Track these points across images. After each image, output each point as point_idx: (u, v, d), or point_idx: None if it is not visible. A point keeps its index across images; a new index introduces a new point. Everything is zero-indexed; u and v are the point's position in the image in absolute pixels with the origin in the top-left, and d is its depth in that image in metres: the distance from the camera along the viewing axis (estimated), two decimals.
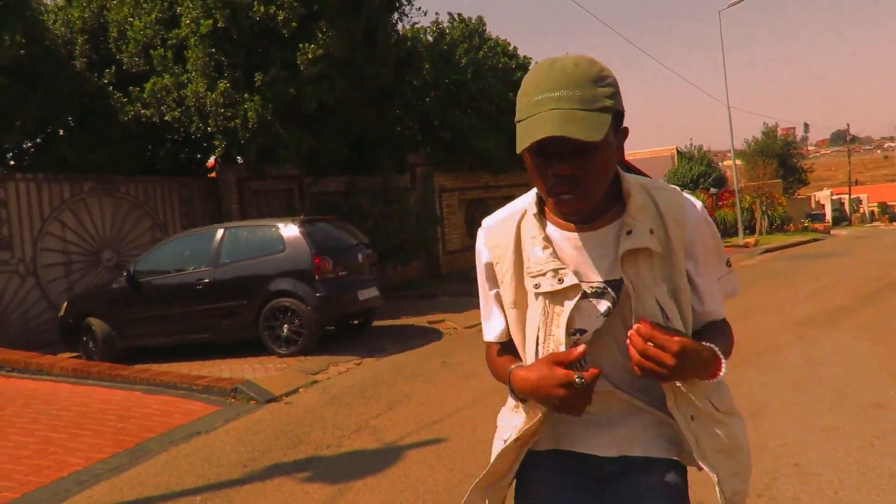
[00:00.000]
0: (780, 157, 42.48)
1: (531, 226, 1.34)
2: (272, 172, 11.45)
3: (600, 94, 1.18)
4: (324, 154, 10.82)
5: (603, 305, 1.29)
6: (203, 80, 9.25)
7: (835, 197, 54.24)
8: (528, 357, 1.34)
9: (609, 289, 1.29)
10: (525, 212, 1.37)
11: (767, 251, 21.43)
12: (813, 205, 47.58)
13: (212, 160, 13.95)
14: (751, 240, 24.46)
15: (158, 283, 8.30)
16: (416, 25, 14.48)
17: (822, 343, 6.84)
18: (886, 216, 55.25)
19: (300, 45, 9.12)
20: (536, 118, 1.16)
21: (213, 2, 8.91)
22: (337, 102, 9.91)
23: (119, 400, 6.08)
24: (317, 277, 7.74)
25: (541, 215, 1.36)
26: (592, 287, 1.29)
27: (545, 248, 1.32)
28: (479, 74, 14.72)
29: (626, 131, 1.29)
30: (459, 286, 13.22)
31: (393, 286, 12.56)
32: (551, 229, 1.34)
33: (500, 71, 15.25)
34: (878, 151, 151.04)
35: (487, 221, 1.44)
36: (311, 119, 10.06)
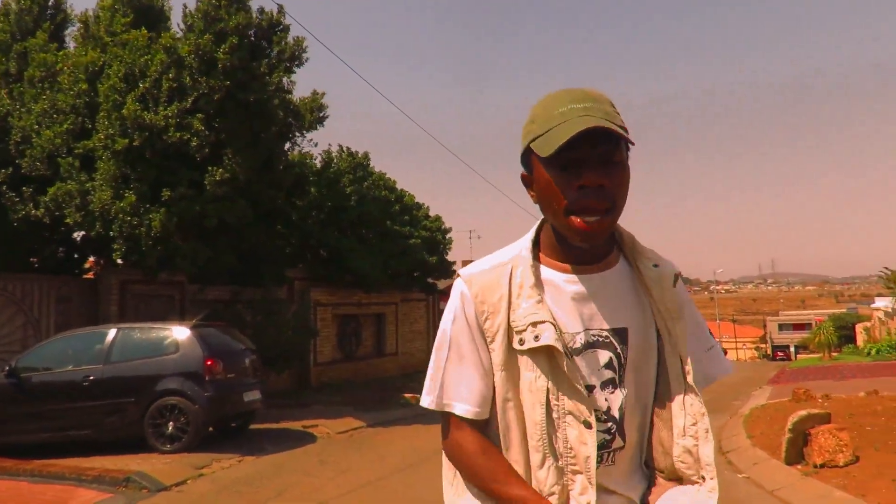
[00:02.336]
0: None
1: (522, 274, 1.22)
2: (160, 277, 11.97)
3: (618, 116, 1.16)
4: (215, 264, 11.60)
5: (605, 356, 1.21)
6: (109, 190, 9.94)
7: None
8: (530, 424, 1.18)
9: (612, 338, 1.22)
10: (516, 257, 1.25)
11: None
12: None
13: (91, 261, 14.14)
14: None
15: (41, 380, 8.51)
16: (305, 152, 15.93)
17: None
18: None
19: (209, 168, 10.17)
20: (569, 122, 1.10)
21: (131, 123, 9.82)
22: (236, 220, 10.90)
23: (6, 490, 6.33)
24: (207, 378, 8.38)
25: (535, 260, 1.24)
26: (594, 336, 1.21)
27: (531, 297, 1.19)
28: (361, 202, 16.28)
29: (629, 174, 1.21)
30: (331, 396, 13.95)
31: (267, 394, 13.05)
32: (548, 273, 1.23)
33: (381, 201, 16.91)
34: (706, 293, 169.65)
35: (470, 270, 1.27)
36: (208, 232, 10.93)
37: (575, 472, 1.17)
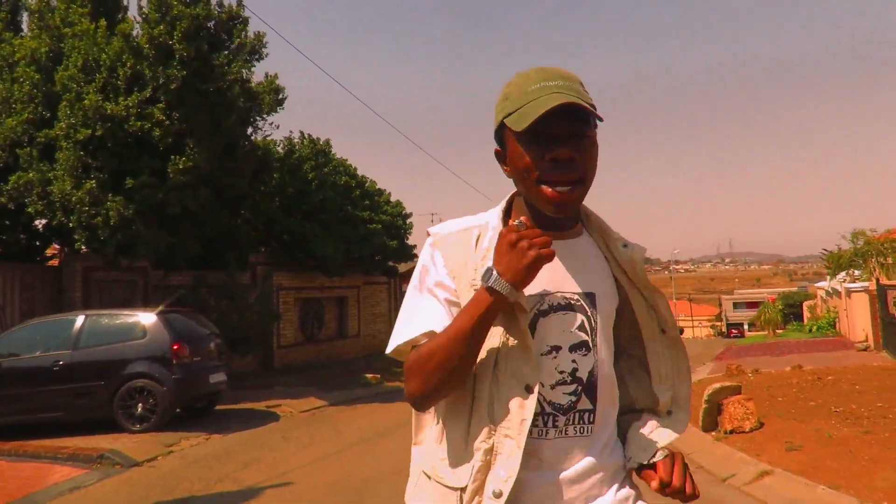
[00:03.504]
0: None
1: (488, 239, 1.26)
2: (123, 264, 12.24)
3: (587, 95, 1.20)
4: (178, 250, 11.93)
5: (577, 319, 1.24)
6: (70, 180, 10.18)
7: None
8: (478, 384, 1.21)
9: (583, 302, 1.26)
10: (485, 225, 1.29)
11: None
12: None
13: (53, 248, 14.28)
14: None
15: (12, 365, 8.81)
16: (267, 138, 16.19)
17: None
18: None
19: (172, 157, 10.47)
20: (542, 98, 1.14)
21: (93, 113, 10.05)
22: (199, 207, 11.24)
23: None
24: (174, 361, 8.81)
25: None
26: (566, 298, 1.24)
27: None
28: (322, 188, 16.65)
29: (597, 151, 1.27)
30: (293, 378, 14.45)
31: (231, 376, 13.48)
32: None
33: (342, 187, 17.30)
34: (665, 272, 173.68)
35: (439, 230, 1.31)
36: (171, 219, 11.25)
37: (506, 436, 1.17)
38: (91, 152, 10.33)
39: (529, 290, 1.18)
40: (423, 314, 1.22)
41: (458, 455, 1.21)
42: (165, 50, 10.59)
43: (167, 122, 10.48)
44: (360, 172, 18.99)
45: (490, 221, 1.30)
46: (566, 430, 1.23)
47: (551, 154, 1.16)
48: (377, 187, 19.58)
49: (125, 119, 10.27)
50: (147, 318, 9.10)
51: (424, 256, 1.29)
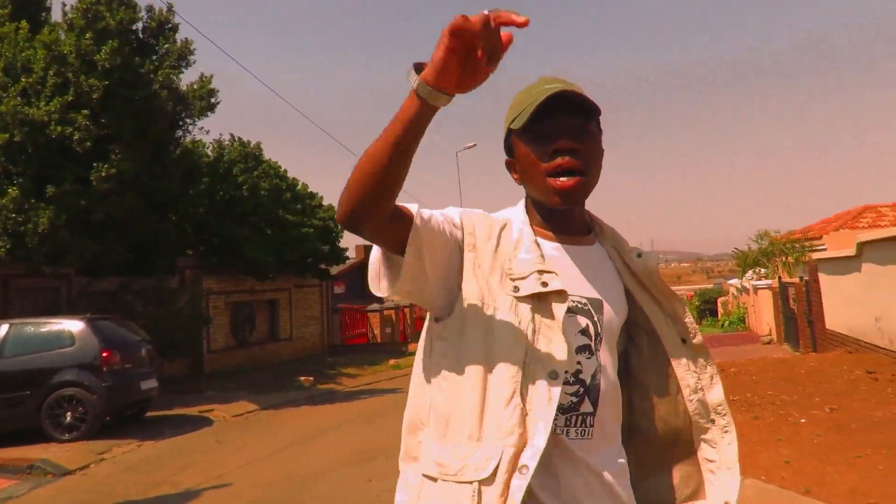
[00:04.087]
0: None
1: (516, 231, 1.27)
2: (46, 272, 11.95)
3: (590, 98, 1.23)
4: (105, 257, 11.75)
5: (583, 322, 1.25)
6: None
7: None
8: (508, 362, 1.17)
9: (590, 307, 1.26)
10: (508, 221, 1.29)
11: None
12: None
13: None
14: None
15: None
16: (197, 141, 16.02)
17: None
18: None
19: (94, 164, 10.35)
20: (541, 95, 1.20)
21: (11, 118, 9.83)
22: (125, 214, 11.13)
23: None
24: (104, 369, 8.77)
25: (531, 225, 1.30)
26: (574, 301, 1.24)
27: (532, 251, 1.23)
28: (253, 191, 16.62)
29: (602, 151, 1.29)
30: (225, 382, 14.41)
31: (161, 382, 13.34)
32: (538, 239, 1.28)
33: (273, 190, 17.31)
34: None
35: (461, 210, 1.28)
36: (96, 226, 11.09)
37: (536, 419, 1.14)
38: (11, 158, 10.09)
39: (550, 285, 1.18)
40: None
41: (475, 445, 1.16)
42: (89, 60, 10.44)
43: (91, 128, 10.35)
44: (292, 176, 19.03)
45: (515, 216, 1.31)
46: (567, 432, 1.21)
47: (553, 146, 1.21)
48: (309, 191, 19.65)
49: (46, 124, 10.09)
50: (75, 326, 9.01)
51: (453, 212, 1.26)
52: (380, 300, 30.93)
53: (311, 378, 15.10)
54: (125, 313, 12.34)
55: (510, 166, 1.34)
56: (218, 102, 13.91)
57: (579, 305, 1.25)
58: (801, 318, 15.35)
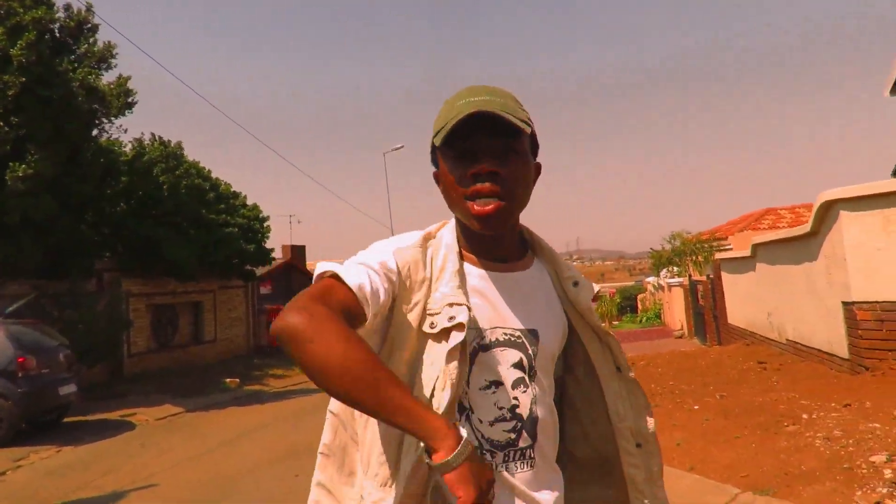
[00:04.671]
0: None
1: (441, 257, 1.20)
2: None
3: (521, 111, 1.17)
4: (19, 259, 11.36)
5: (516, 356, 1.20)
6: None
7: None
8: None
9: (524, 338, 1.21)
10: (438, 242, 1.24)
11: None
12: None
13: None
14: None
15: None
16: (115, 140, 15.57)
17: None
18: None
19: (10, 164, 10.03)
20: (462, 110, 1.12)
21: None
22: (41, 215, 10.81)
23: None
24: (20, 375, 8.56)
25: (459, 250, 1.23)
26: (507, 334, 1.20)
27: (451, 281, 1.17)
28: (174, 191, 16.31)
29: (539, 167, 1.26)
30: (147, 386, 14.14)
31: (81, 387, 12.98)
32: (466, 267, 1.22)
33: (195, 190, 17.03)
34: None
35: (393, 244, 1.21)
36: (10, 228, 10.72)
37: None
38: None
39: (456, 318, 1.12)
40: (359, 270, 1.10)
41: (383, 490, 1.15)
42: (4, 54, 10.10)
43: (5, 129, 10.03)
44: (215, 175, 18.77)
45: (444, 238, 1.24)
46: (508, 467, 1.18)
47: (473, 169, 1.14)
48: (232, 190, 19.41)
49: None
50: None
51: (387, 258, 1.16)
52: None
53: (237, 380, 15.01)
54: (40, 318, 11.99)
55: (437, 178, 1.27)
56: (135, 102, 13.68)
57: (512, 338, 1.21)
58: (707, 313, 16.42)
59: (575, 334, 1.31)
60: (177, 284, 18.18)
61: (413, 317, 1.15)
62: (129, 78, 13.35)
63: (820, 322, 7.59)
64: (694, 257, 21.75)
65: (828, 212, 6.93)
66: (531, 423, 1.22)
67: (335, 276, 1.07)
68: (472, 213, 1.15)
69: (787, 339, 9.09)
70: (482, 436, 1.18)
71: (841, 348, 6.95)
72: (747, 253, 10.99)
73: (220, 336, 20.68)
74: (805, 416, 5.25)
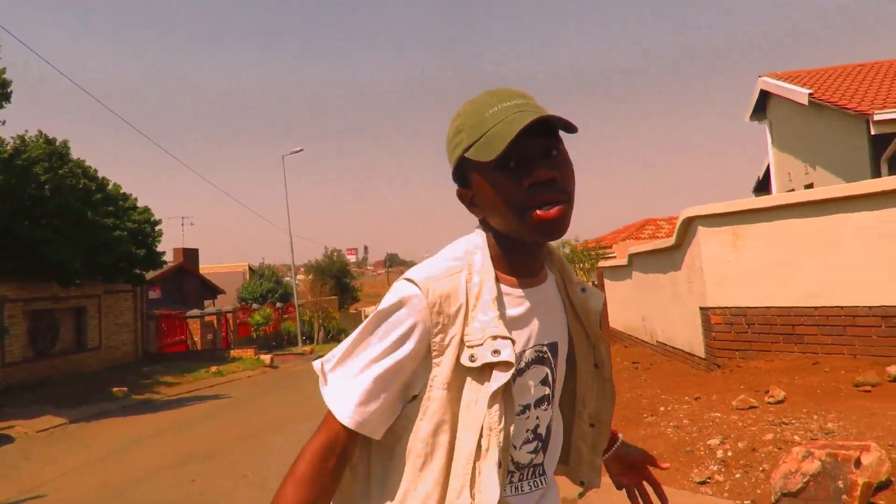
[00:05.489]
0: (336, 277, 49.73)
1: (481, 284, 1.10)
2: None
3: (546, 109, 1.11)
4: None
5: (543, 372, 1.17)
6: None
7: None
8: (458, 451, 1.06)
9: (548, 353, 1.19)
10: (471, 266, 1.12)
11: (320, 357, 25.55)
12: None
13: None
14: (308, 348, 28.65)
15: None
16: None
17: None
18: None
19: None
20: (508, 120, 1.04)
21: None
22: None
23: None
24: None
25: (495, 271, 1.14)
26: (537, 351, 1.16)
27: (489, 310, 1.08)
28: (57, 191, 15.53)
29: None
30: (24, 397, 13.39)
31: None
32: (503, 289, 1.14)
33: (80, 190, 16.28)
34: None
35: (423, 275, 1.09)
36: None
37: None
38: None
39: (501, 354, 1.06)
40: (365, 403, 1.05)
41: None
42: None
43: None
44: (102, 175, 18.00)
45: (477, 260, 1.13)
46: (521, 486, 1.18)
47: (530, 178, 1.05)
48: (122, 192, 18.68)
49: None
50: None
51: (408, 305, 1.06)
52: (200, 305, 29.82)
53: (125, 388, 14.49)
54: None
55: (465, 199, 1.17)
56: (10, 93, 13.07)
57: (540, 355, 1.17)
58: None
59: (570, 337, 1.28)
60: (59, 289, 17.28)
61: (450, 352, 1.08)
62: (3, 70, 12.70)
63: (683, 325, 8.47)
64: (582, 265, 23.07)
65: (689, 227, 7.80)
66: (546, 440, 1.22)
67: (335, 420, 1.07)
68: (537, 222, 1.06)
69: (658, 341, 10.01)
70: (512, 460, 1.16)
71: (699, 349, 7.83)
72: (625, 262, 11.94)
73: (105, 343, 19.78)
74: (662, 408, 5.96)
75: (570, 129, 1.07)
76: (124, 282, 19.51)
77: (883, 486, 3.39)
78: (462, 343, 1.07)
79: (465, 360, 1.06)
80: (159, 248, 19.68)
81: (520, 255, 1.16)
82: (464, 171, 1.14)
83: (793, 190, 12.73)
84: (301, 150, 29.57)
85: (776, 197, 7.41)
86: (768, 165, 14.99)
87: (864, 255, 6.14)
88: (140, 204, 19.26)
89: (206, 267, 39.66)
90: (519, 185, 1.05)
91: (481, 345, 1.06)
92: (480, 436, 1.05)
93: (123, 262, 18.15)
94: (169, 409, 12.21)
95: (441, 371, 1.07)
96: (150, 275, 21.27)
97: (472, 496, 1.04)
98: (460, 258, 1.13)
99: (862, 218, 6.14)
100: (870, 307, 6.09)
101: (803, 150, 12.46)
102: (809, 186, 11.65)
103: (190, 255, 31.98)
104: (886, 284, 5.97)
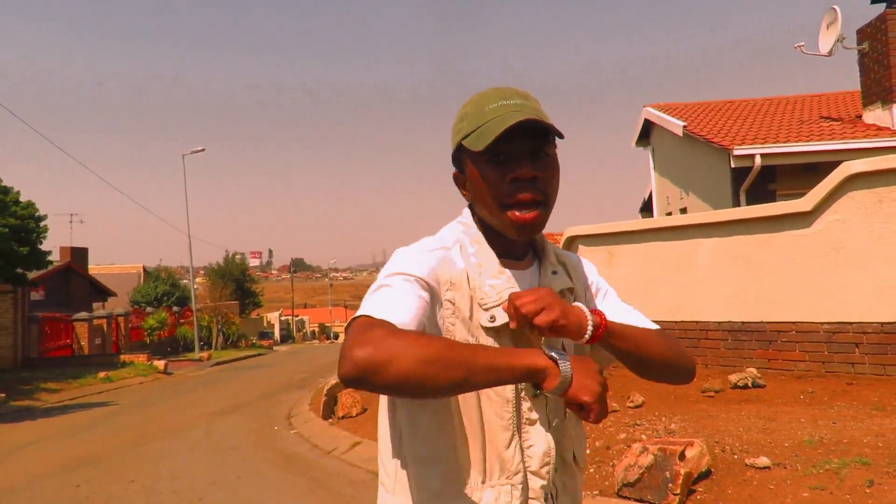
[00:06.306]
0: (238, 281, 48.36)
1: (479, 254, 1.18)
2: None
3: (545, 114, 1.16)
4: None
5: None
6: None
7: (284, 317, 62.81)
8: (498, 403, 1.12)
9: None
10: (462, 241, 1.21)
11: (217, 364, 24.96)
12: (265, 324, 54.52)
13: None
14: (205, 354, 27.80)
15: None
16: None
17: (223, 422, 10.12)
18: (325, 335, 64.46)
19: None
20: (502, 116, 1.11)
21: None
22: None
23: None
24: None
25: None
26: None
27: (501, 273, 1.17)
28: None
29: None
30: None
31: None
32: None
33: None
34: (326, 280, 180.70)
35: (424, 248, 1.17)
36: None
37: (530, 447, 1.14)
38: None
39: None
40: (398, 308, 1.02)
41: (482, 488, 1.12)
42: None
43: None
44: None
45: (469, 236, 1.22)
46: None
47: (513, 173, 1.12)
48: (2, 185, 17.61)
49: None
50: None
51: (417, 271, 1.11)
52: (88, 308, 28.31)
53: (3, 395, 13.72)
54: None
55: (459, 182, 1.26)
56: None
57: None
58: None
59: None
60: None
61: (463, 313, 1.13)
62: None
63: None
64: None
65: (571, 245, 8.46)
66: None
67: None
68: (511, 221, 1.14)
69: None
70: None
71: None
72: None
73: None
74: None
75: (557, 134, 1.15)
76: (4, 282, 18.38)
77: (704, 475, 4.00)
78: (472, 304, 1.13)
79: (484, 322, 1.12)
80: (44, 247, 18.68)
81: (503, 240, 1.22)
82: (460, 157, 1.23)
83: (671, 213, 13.87)
84: (203, 149, 28.83)
85: (643, 221, 8.20)
86: (651, 189, 16.20)
87: (714, 276, 6.96)
88: (23, 198, 18.22)
89: (96, 267, 37.75)
90: (502, 179, 1.13)
91: (499, 305, 1.13)
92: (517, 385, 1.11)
93: (3, 261, 17.13)
94: (52, 416, 11.70)
95: (458, 333, 1.12)
96: (32, 275, 20.14)
97: (522, 448, 1.13)
98: (448, 245, 1.20)
99: (714, 243, 6.96)
100: (718, 322, 6.90)
101: (679, 176, 13.62)
102: (684, 211, 12.75)
103: (78, 255, 30.38)
104: (732, 301, 6.80)
